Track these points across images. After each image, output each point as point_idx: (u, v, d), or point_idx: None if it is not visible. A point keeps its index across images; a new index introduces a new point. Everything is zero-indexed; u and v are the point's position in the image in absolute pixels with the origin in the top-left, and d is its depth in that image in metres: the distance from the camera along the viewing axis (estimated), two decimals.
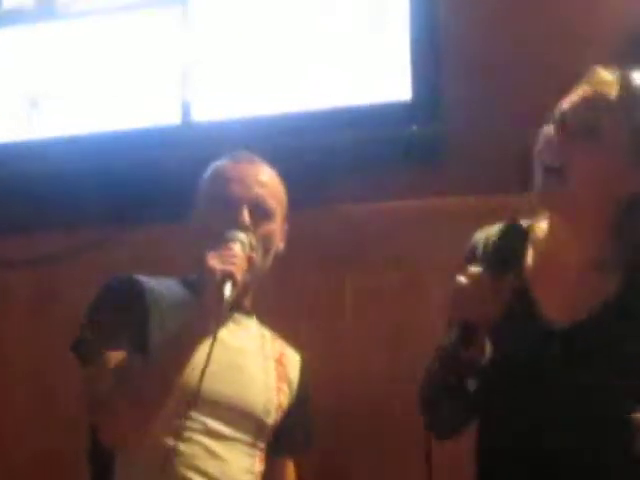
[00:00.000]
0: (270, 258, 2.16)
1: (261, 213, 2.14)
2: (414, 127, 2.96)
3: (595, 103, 1.83)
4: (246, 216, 2.11)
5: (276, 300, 2.32)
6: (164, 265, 2.31)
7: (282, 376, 2.23)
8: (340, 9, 3.12)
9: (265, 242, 2.13)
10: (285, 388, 2.22)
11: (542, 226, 1.92)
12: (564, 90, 2.78)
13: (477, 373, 1.79)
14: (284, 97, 3.12)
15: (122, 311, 2.06)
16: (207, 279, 1.95)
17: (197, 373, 1.92)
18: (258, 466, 2.15)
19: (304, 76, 3.12)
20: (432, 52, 2.98)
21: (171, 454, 1.99)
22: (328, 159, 2.94)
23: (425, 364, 1.89)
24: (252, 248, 2.05)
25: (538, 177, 1.83)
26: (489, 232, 1.96)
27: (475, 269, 1.77)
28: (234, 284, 1.94)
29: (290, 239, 2.41)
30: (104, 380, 1.97)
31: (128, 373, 1.97)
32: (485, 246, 1.92)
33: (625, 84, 1.83)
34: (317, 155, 2.94)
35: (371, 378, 2.81)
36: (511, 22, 2.90)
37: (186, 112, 3.20)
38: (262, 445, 2.16)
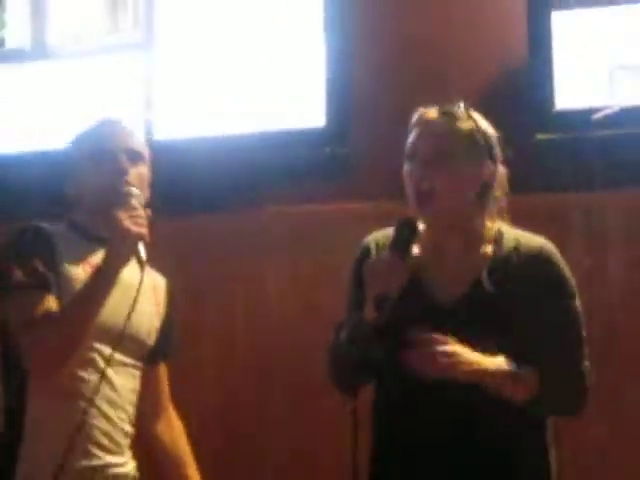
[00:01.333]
0: (145, 196, 2.29)
1: (135, 156, 2.32)
2: (327, 149, 3.30)
3: (436, 133, 2.11)
4: (125, 162, 2.28)
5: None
6: None
7: (157, 301, 2.41)
8: (267, 48, 3.53)
9: (141, 181, 2.30)
10: (160, 310, 2.41)
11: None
12: None
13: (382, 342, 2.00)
14: (228, 121, 3.51)
15: (42, 257, 2.19)
16: (120, 237, 2.12)
17: (113, 313, 2.15)
18: (138, 384, 2.35)
19: (240, 104, 3.53)
20: (344, 85, 3.30)
21: (81, 385, 2.19)
22: (259, 173, 3.30)
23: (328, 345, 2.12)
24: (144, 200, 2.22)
25: (412, 199, 2.13)
26: (377, 236, 2.21)
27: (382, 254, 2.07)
28: (145, 243, 2.15)
29: (229, 234, 2.92)
30: (40, 308, 2.15)
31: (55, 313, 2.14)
32: (377, 247, 2.16)
33: (449, 114, 2.13)
34: (250, 168, 3.31)
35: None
36: (417, 57, 3.22)
37: (148, 131, 3.51)
38: (141, 364, 2.35)
